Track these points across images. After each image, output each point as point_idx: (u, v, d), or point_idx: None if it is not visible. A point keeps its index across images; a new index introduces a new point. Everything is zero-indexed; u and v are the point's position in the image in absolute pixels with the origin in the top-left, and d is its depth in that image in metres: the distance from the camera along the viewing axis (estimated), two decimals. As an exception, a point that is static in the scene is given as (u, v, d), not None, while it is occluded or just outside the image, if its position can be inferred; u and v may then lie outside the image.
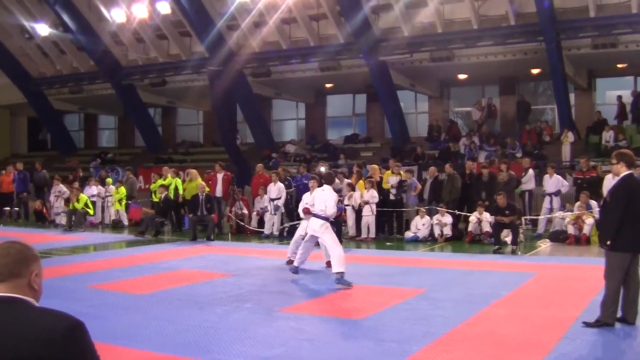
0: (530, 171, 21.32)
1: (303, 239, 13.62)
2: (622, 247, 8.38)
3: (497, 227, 16.91)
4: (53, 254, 16.54)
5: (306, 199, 13.63)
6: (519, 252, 16.37)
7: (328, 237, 12.37)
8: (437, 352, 7.53)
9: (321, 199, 12.60)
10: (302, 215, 13.90)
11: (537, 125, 28.37)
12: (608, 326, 8.38)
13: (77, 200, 23.28)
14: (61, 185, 25.35)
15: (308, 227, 12.93)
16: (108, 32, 32.63)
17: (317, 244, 13.04)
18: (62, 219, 24.34)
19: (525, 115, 29.34)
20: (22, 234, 21.02)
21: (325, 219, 12.46)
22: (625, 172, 8.67)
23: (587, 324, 8.48)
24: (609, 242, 8.42)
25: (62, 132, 41.82)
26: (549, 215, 19.73)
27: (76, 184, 25.04)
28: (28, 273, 2.84)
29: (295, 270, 12.74)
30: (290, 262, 14.18)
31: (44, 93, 38.29)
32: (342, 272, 11.79)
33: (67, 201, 24.27)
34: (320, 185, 13.23)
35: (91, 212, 24.10)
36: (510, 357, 7.40)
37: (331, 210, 12.50)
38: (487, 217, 18.10)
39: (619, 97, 27.59)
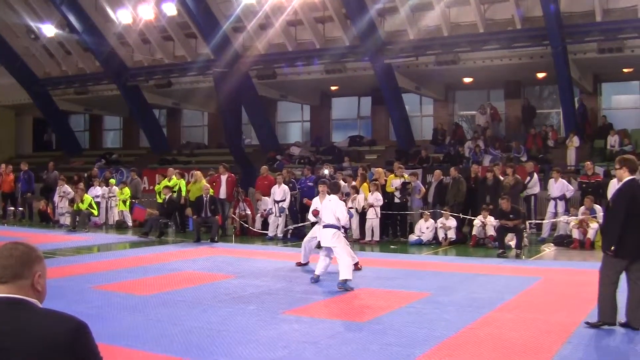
0: (536, 175, 21.25)
1: (310, 241, 14.07)
2: (622, 254, 8.41)
3: (502, 231, 16.87)
4: (57, 254, 16.55)
5: (316, 203, 13.74)
6: (524, 257, 16.35)
7: (340, 246, 12.45)
8: (441, 356, 7.51)
9: (329, 209, 12.69)
10: (311, 218, 14.04)
11: (543, 130, 28.30)
12: (609, 325, 8.48)
13: (82, 201, 23.28)
14: (66, 185, 25.37)
15: (320, 238, 12.93)
16: (114, 33, 32.70)
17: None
18: (67, 220, 24.38)
19: (530, 119, 29.29)
20: (27, 234, 21.04)
21: (337, 227, 12.56)
22: (628, 177, 8.67)
23: (590, 325, 8.54)
24: (613, 248, 8.43)
25: (67, 132, 41.92)
26: (554, 220, 19.70)
27: (81, 185, 25.06)
28: (31, 274, 2.83)
29: (317, 280, 12.69)
30: (299, 264, 14.34)
31: (49, 93, 38.41)
32: (348, 280, 11.94)
33: (72, 202, 24.33)
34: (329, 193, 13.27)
35: (95, 212, 24.12)
36: (514, 362, 7.39)
37: (345, 220, 12.79)
38: (491, 220, 18.08)
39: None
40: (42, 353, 2.64)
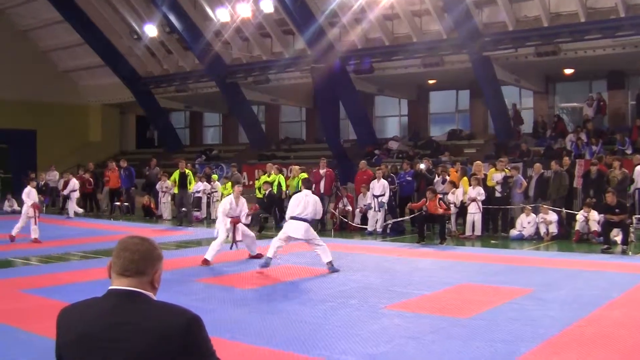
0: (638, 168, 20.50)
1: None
2: None
3: (607, 226, 16.39)
4: (161, 248, 16.94)
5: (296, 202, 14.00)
6: (630, 252, 15.86)
7: (314, 235, 13.65)
8: (547, 354, 7.37)
9: (304, 203, 13.56)
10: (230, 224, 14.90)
11: (649, 121, 27.30)
12: None
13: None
14: (168, 181, 25.92)
15: (291, 230, 13.47)
16: (213, 32, 33.22)
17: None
18: (168, 214, 25.06)
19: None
20: (133, 229, 21.61)
21: (307, 221, 13.50)
22: None
23: None
24: None
25: (168, 129, 42.93)
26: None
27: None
28: (152, 272, 2.92)
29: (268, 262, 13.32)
30: (205, 262, 14.14)
31: (151, 92, 39.43)
32: (332, 261, 13.28)
33: (174, 197, 24.89)
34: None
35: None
36: (623, 361, 7.19)
37: (320, 213, 14.53)
38: (594, 215, 17.56)
39: None
40: (156, 343, 2.71)
